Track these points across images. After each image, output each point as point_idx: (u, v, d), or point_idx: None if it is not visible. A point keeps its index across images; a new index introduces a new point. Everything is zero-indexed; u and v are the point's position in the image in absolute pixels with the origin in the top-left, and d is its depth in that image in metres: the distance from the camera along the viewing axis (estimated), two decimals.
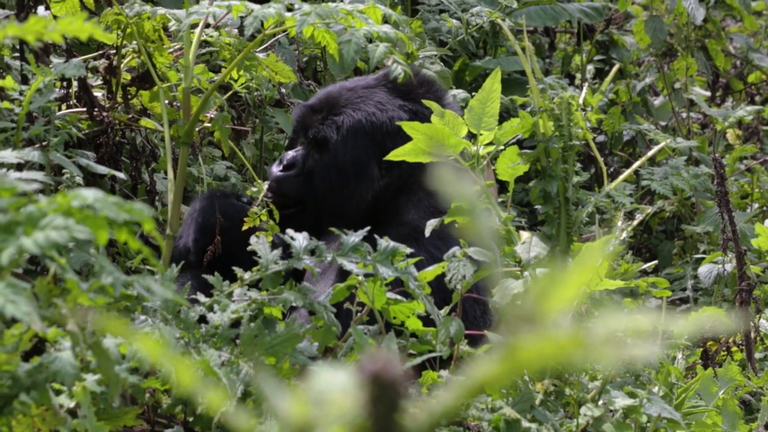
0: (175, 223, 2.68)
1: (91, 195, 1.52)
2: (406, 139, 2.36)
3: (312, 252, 2.21)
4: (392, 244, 2.22)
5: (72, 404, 1.81)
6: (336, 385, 0.79)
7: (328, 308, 2.19)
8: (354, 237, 2.22)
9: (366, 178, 2.80)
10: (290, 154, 2.88)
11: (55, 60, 2.76)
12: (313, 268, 2.19)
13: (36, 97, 2.64)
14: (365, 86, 2.87)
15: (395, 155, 2.38)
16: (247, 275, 2.19)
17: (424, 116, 2.65)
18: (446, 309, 2.32)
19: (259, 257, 2.20)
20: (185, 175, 2.76)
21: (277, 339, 2.06)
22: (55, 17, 2.83)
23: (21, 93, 2.70)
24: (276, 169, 2.86)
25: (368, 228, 2.24)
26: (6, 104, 2.70)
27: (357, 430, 0.85)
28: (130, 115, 3.03)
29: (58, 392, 1.81)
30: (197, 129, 3.03)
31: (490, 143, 2.36)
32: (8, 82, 2.72)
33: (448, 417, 2.10)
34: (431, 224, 2.36)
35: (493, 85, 2.36)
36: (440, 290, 2.35)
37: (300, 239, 2.22)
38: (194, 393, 1.91)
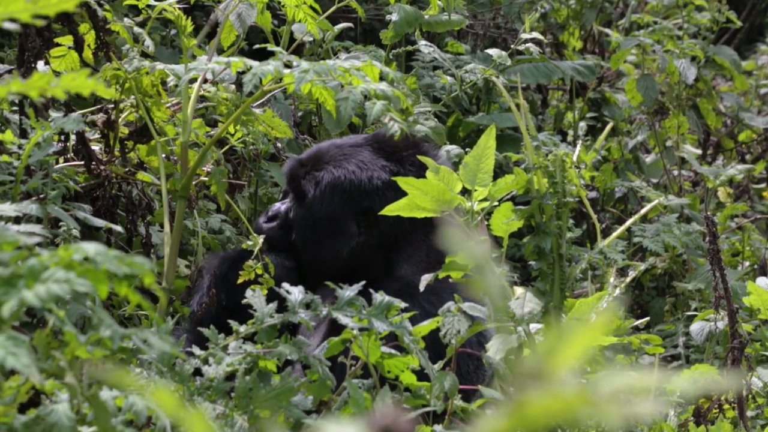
0: (171, 276, 2.69)
1: (92, 248, 1.53)
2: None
3: (307, 306, 2.22)
4: (387, 298, 2.23)
5: None
6: None
7: (323, 362, 2.20)
8: (349, 291, 2.23)
9: (342, 234, 2.82)
10: (276, 206, 2.94)
11: (54, 114, 2.79)
12: (308, 321, 2.20)
13: (35, 151, 2.66)
14: (352, 144, 2.90)
15: (389, 210, 2.39)
16: (242, 328, 2.19)
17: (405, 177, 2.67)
18: (440, 363, 2.32)
19: (255, 311, 2.21)
20: (181, 228, 2.78)
21: (271, 392, 2.07)
22: (55, 72, 2.86)
23: (20, 146, 2.72)
24: (261, 220, 2.92)
25: (363, 282, 2.26)
26: (5, 158, 2.72)
27: None
28: (127, 169, 3.05)
29: None
30: (193, 182, 3.05)
31: (485, 199, 2.38)
32: (7, 135, 2.74)
33: None
34: (425, 279, 2.37)
35: (488, 141, 2.38)
36: (434, 345, 2.36)
37: (295, 293, 2.23)
38: None
